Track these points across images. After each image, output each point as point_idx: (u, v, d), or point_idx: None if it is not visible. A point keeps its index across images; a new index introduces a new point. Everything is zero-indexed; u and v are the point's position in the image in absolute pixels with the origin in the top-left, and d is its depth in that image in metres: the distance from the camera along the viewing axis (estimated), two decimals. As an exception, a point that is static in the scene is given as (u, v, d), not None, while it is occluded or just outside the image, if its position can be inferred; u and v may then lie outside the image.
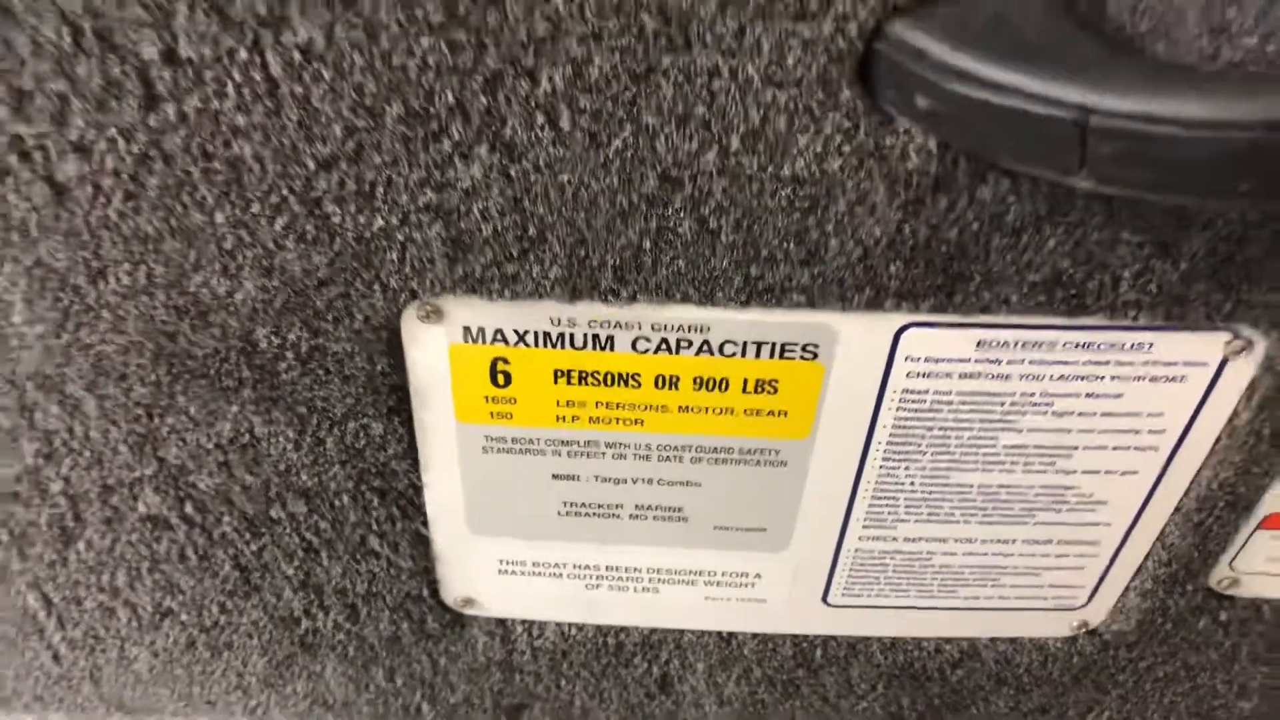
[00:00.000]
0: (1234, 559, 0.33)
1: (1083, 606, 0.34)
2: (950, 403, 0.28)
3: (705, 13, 0.21)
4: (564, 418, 0.29)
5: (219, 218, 0.24)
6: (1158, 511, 0.31)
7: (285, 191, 0.24)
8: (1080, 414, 0.28)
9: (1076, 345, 0.27)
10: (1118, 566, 0.33)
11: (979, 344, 0.27)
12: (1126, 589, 0.34)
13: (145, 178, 0.24)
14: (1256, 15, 0.20)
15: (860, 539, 0.32)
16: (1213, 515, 0.31)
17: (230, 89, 0.22)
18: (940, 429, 0.29)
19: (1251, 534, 0.32)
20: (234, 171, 0.23)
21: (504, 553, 0.33)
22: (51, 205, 0.24)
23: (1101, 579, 0.33)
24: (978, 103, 0.20)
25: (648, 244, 0.25)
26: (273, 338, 0.27)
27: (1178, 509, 0.31)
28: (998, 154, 0.21)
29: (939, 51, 0.20)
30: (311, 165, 0.23)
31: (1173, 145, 0.18)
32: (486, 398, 0.29)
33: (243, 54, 0.22)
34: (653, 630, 0.36)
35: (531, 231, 0.24)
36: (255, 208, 0.24)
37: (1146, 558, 0.33)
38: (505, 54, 0.21)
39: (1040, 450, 0.29)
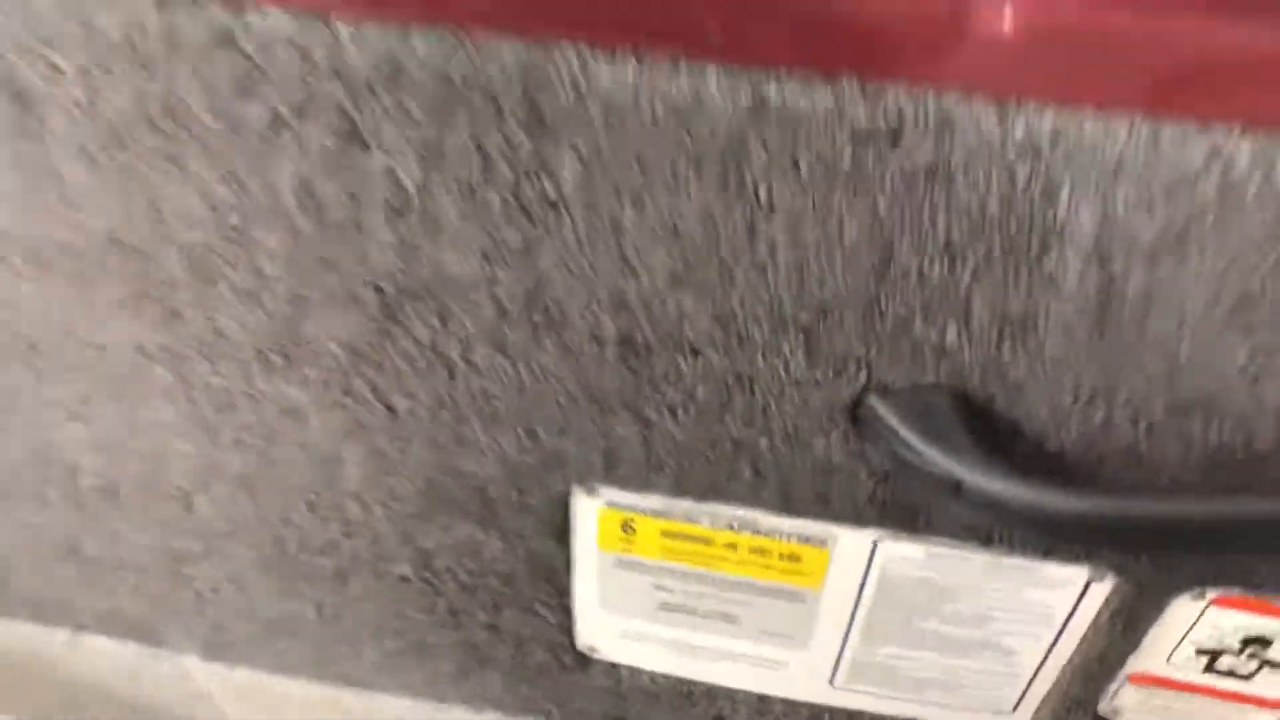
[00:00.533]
0: (1113, 698, 0.47)
1: (1011, 713, 0.50)
2: (910, 581, 0.44)
3: (765, 376, 0.37)
4: (666, 556, 0.46)
5: (481, 436, 0.42)
6: (1055, 661, 0.46)
7: (516, 423, 0.41)
8: (995, 598, 0.44)
9: (991, 563, 0.42)
10: (1031, 692, 0.48)
11: (926, 553, 0.42)
12: (1039, 707, 0.49)
13: (443, 414, 0.41)
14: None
15: (855, 650, 0.48)
16: (1093, 668, 0.46)
17: (495, 380, 0.39)
18: (905, 595, 0.44)
19: (1122, 684, 0.46)
20: (494, 416, 0.41)
21: (621, 625, 0.50)
22: (387, 421, 0.42)
23: (1021, 698, 0.49)
24: (904, 457, 0.36)
25: (724, 479, 0.41)
26: (498, 491, 0.44)
27: (1069, 661, 0.46)
28: (918, 484, 0.36)
29: (888, 419, 0.36)
30: (536, 423, 0.41)
31: (1003, 509, 0.34)
32: (619, 538, 0.46)
33: (507, 366, 0.39)
34: (714, 685, 0.53)
35: (654, 463, 0.41)
36: (503, 431, 0.41)
37: (1051, 689, 0.48)
38: (649, 380, 0.38)
39: (972, 616, 0.45)
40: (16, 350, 0.43)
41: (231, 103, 0.32)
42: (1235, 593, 0.41)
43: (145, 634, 0.59)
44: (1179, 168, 0.29)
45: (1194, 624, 0.43)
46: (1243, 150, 0.28)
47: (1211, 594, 0.41)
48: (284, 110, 0.32)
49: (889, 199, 0.31)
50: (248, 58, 0.31)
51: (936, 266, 0.32)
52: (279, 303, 0.38)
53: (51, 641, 0.61)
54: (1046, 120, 0.28)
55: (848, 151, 0.30)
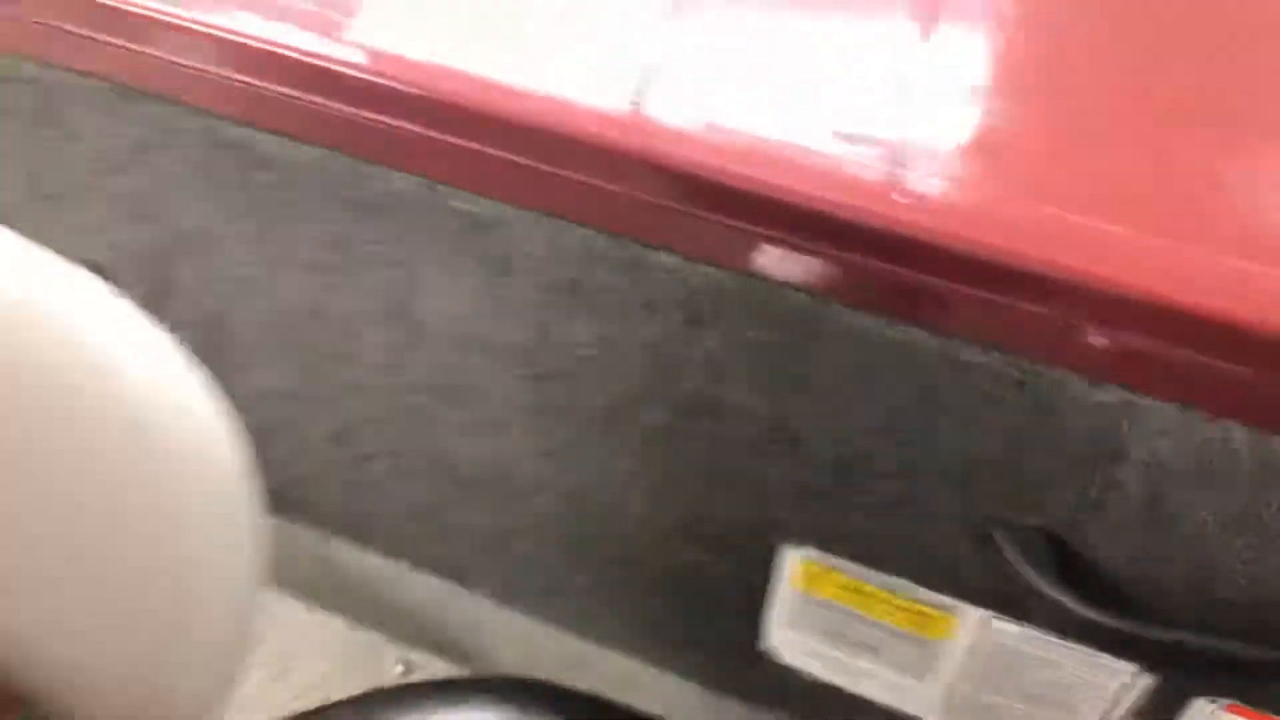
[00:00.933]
0: (1150, 763, 0.65)
1: (1074, 758, 0.67)
2: (1008, 649, 0.62)
3: (928, 501, 0.56)
4: (838, 599, 0.66)
5: (729, 499, 0.63)
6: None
7: (753, 496, 0.62)
8: (1066, 672, 0.62)
9: (1065, 648, 0.60)
10: (1090, 745, 0.66)
11: (1021, 633, 0.61)
12: (1095, 758, 0.66)
13: (706, 480, 0.63)
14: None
15: (961, 688, 0.67)
16: (1136, 737, 0.63)
17: (745, 467, 0.60)
18: (1003, 658, 0.63)
19: (1157, 754, 0.64)
20: (740, 489, 0.62)
21: (797, 639, 0.71)
22: (666, 476, 0.64)
23: (1081, 748, 0.66)
24: (1009, 570, 0.54)
25: (888, 557, 0.61)
26: (732, 535, 0.65)
27: (1119, 728, 0.64)
28: (1017, 588, 0.55)
29: (1003, 543, 0.55)
30: (767, 498, 0.61)
31: (1066, 618, 0.52)
32: (808, 581, 0.66)
33: (760, 463, 0.60)
34: (855, 693, 0.72)
35: (842, 538, 0.61)
36: (744, 499, 0.62)
37: (1104, 746, 0.65)
38: (849, 488, 0.58)
39: (1048, 681, 0.63)
40: (447, 394, 0.67)
41: (624, 290, 0.54)
42: (1238, 704, 0.58)
43: (459, 576, 0.84)
44: (1199, 435, 0.47)
45: (1210, 720, 0.60)
46: (1238, 434, 0.46)
47: (1222, 703, 0.58)
48: (656, 301, 0.54)
49: (1022, 417, 0.50)
50: (650, 274, 0.53)
51: (1044, 458, 0.51)
52: (618, 397, 0.60)
53: (391, 570, 0.87)
54: (1117, 393, 0.47)
55: (994, 389, 0.49)
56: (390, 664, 0.97)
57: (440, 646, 0.94)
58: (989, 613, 0.61)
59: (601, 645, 0.82)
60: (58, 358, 0.35)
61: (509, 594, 0.83)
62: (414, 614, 0.91)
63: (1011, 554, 0.55)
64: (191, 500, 0.39)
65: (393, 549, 0.85)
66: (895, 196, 0.46)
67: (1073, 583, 0.54)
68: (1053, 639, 0.60)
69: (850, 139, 0.47)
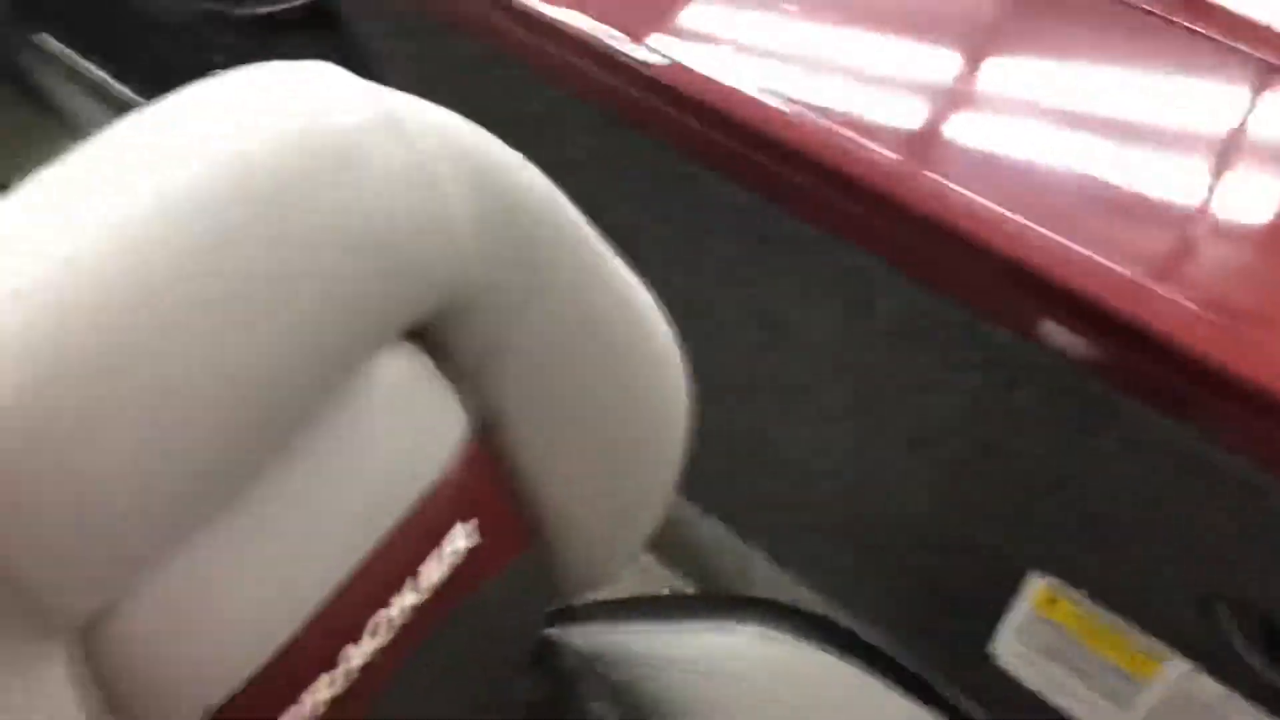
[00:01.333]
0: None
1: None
2: (1200, 703, 0.75)
3: (1168, 564, 0.70)
4: (1068, 625, 0.80)
5: (995, 526, 0.78)
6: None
7: (1018, 529, 0.77)
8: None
9: (1254, 714, 0.72)
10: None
11: (1216, 693, 0.73)
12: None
13: (978, 508, 0.78)
14: None
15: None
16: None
17: (1004, 499, 0.75)
18: (1192, 707, 0.75)
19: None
20: (1011, 520, 0.77)
21: (1021, 650, 0.85)
22: (943, 489, 0.80)
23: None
24: (1220, 637, 0.67)
25: (1117, 602, 0.74)
26: (992, 554, 0.81)
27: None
28: (1223, 649, 0.68)
29: (1215, 608, 0.68)
30: (1029, 535, 0.76)
31: (1255, 681, 0.65)
32: (1045, 605, 0.80)
33: (1027, 504, 0.75)
34: (1058, 707, 0.86)
35: (1082, 580, 0.75)
36: (1010, 529, 0.77)
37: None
38: (1099, 546, 0.72)
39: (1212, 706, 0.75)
40: (785, 388, 0.85)
41: (960, 348, 0.70)
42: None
43: (741, 530, 1.03)
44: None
45: (1371, 804, 0.70)
46: None
47: (1386, 790, 0.69)
48: (985, 362, 0.70)
49: (1256, 515, 0.63)
50: (983, 342, 0.69)
51: (1270, 552, 0.64)
52: (930, 425, 0.77)
53: (684, 508, 1.06)
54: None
55: (1236, 489, 0.62)
56: (661, 588, 1.17)
57: (708, 584, 1.14)
58: (1194, 666, 0.74)
59: (847, 614, 0.99)
60: (619, 300, 0.56)
61: (780, 554, 1.01)
62: (694, 551, 1.10)
63: (1228, 624, 0.68)
64: (670, 397, 0.60)
65: (692, 493, 1.04)
66: (1179, 320, 0.59)
67: (1276, 658, 0.66)
68: (1245, 703, 0.72)
69: (1142, 261, 0.61)
